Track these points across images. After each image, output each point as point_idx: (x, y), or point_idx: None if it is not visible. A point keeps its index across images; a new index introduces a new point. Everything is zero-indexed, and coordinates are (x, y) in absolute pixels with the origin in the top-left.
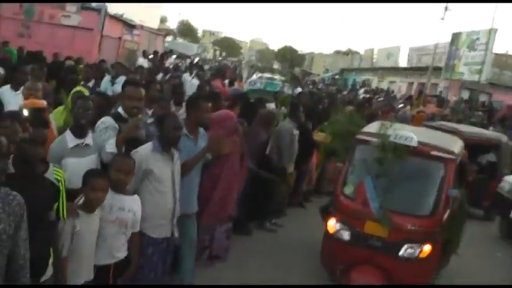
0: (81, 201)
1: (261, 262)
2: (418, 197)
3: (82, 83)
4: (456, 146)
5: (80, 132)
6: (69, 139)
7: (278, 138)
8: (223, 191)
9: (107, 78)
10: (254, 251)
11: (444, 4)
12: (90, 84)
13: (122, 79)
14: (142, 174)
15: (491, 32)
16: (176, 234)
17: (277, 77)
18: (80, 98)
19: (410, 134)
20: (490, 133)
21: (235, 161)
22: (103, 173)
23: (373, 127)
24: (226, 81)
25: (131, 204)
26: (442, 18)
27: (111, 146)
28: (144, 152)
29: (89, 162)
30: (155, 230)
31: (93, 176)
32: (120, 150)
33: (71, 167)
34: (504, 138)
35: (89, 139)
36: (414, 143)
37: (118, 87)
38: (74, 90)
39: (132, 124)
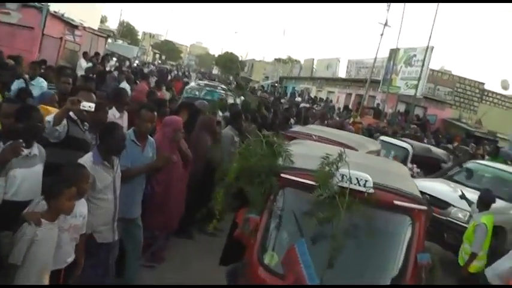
0: (40, 209)
1: (203, 264)
2: (376, 269)
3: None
4: (413, 183)
5: (27, 142)
6: None
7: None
8: (175, 202)
9: (19, 82)
10: (196, 254)
11: (384, 20)
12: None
13: (38, 81)
14: None
15: (428, 50)
16: (116, 238)
17: (217, 84)
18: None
19: (364, 175)
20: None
21: (180, 168)
22: (71, 183)
23: (305, 158)
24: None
25: (81, 209)
26: (382, 34)
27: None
28: (85, 163)
29: (36, 172)
30: (97, 236)
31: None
32: (57, 123)
33: (20, 178)
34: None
35: (35, 149)
36: (370, 188)
37: (35, 90)
38: None
39: (72, 99)
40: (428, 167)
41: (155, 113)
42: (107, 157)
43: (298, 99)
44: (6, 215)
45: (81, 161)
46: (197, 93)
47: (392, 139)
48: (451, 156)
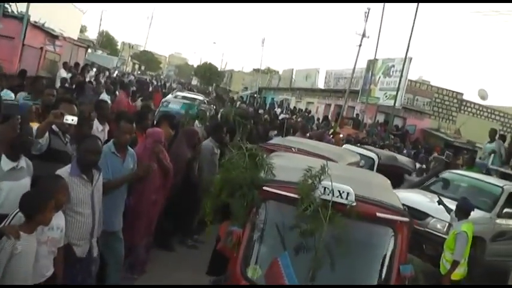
0: (17, 222)
1: (183, 277)
2: (359, 281)
3: None
4: (394, 195)
5: (14, 155)
6: (4, 162)
7: (199, 156)
8: (147, 212)
9: None
10: (177, 266)
11: (362, 31)
12: None
13: (7, 93)
14: None
15: (406, 60)
16: (95, 254)
17: (198, 97)
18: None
19: (346, 187)
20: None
21: (156, 179)
22: (52, 195)
23: (286, 171)
24: None
25: (58, 221)
26: (360, 45)
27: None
28: (61, 175)
29: (23, 185)
30: (75, 249)
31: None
32: (40, 136)
33: (6, 190)
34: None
35: (22, 162)
36: (352, 200)
37: None
38: None
39: (55, 112)
40: (394, 176)
41: (134, 125)
42: (85, 170)
43: (278, 110)
44: None
45: (58, 172)
46: (173, 106)
47: (358, 148)
48: (417, 164)
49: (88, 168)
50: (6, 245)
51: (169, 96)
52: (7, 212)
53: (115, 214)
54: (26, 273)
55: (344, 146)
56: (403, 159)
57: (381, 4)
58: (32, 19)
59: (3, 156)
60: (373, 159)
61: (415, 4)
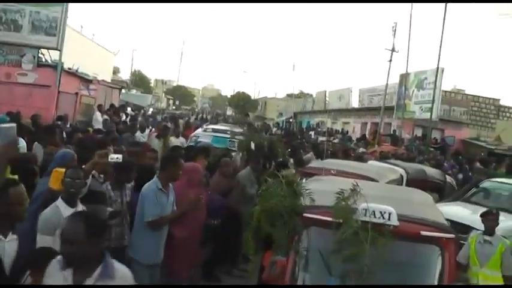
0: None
1: None
2: None
3: None
4: (438, 211)
5: (72, 201)
6: (63, 208)
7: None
8: (190, 243)
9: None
10: None
11: (391, 46)
12: None
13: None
14: None
15: (439, 71)
16: None
17: (230, 128)
18: (71, 167)
19: (387, 208)
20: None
21: (201, 214)
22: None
23: (327, 195)
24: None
25: None
26: (390, 60)
27: None
28: None
29: None
30: None
31: None
32: (87, 177)
33: None
34: None
35: (80, 206)
36: (395, 221)
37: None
38: None
39: (100, 152)
40: (426, 190)
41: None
42: None
43: (311, 133)
44: None
45: None
46: (203, 140)
47: (384, 164)
48: (460, 175)
49: None
50: None
51: (199, 130)
52: None
53: (160, 247)
54: None
55: (369, 162)
56: (431, 171)
57: (408, 17)
58: (65, 66)
59: (62, 203)
60: (401, 174)
61: (442, 13)
